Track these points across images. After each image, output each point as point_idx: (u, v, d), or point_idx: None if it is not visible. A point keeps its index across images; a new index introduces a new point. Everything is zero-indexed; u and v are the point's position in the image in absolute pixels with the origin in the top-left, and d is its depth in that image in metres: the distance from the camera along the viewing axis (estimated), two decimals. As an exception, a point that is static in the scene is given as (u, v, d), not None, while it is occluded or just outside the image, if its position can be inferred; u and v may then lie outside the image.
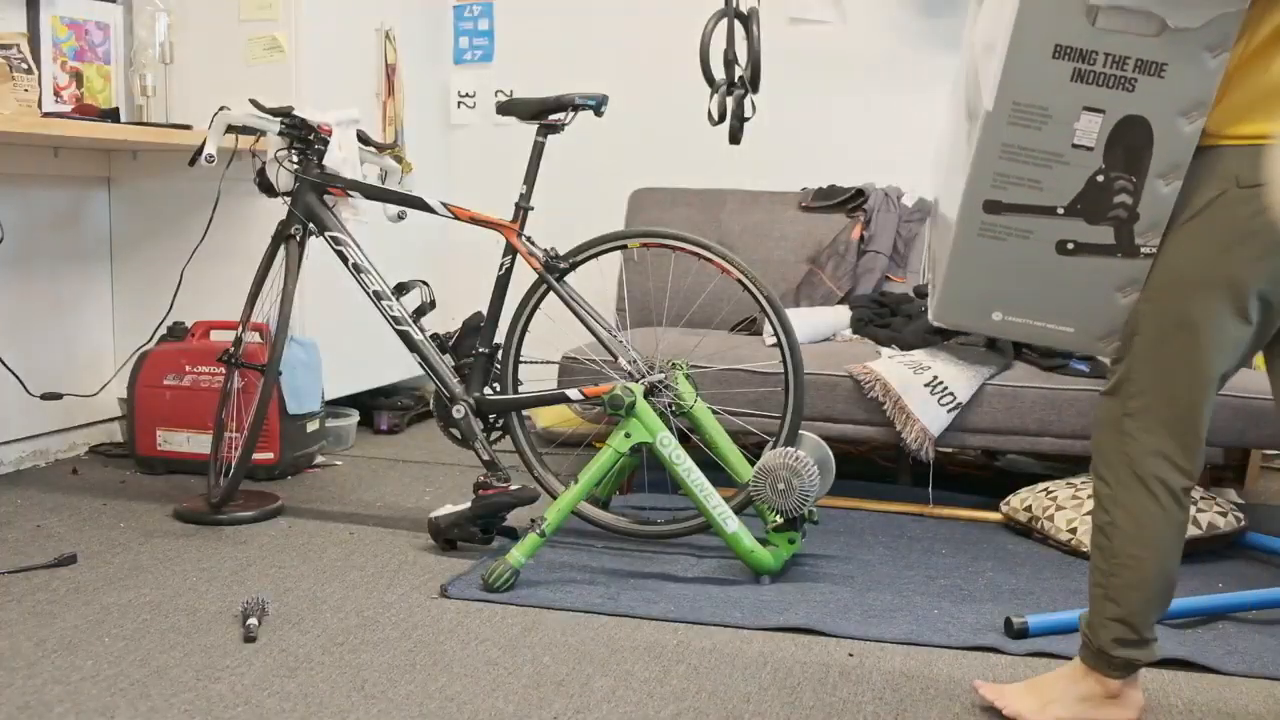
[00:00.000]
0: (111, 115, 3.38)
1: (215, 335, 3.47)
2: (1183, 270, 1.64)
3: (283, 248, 2.96)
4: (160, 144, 3.35)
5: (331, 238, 2.92)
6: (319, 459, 3.60)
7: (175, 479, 3.38)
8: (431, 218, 4.16)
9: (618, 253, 3.97)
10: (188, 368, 3.40)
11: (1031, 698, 1.90)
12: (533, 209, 2.86)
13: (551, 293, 2.84)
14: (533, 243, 2.84)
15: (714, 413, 2.87)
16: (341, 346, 3.77)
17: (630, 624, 2.32)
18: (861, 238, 3.76)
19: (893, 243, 3.73)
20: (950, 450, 3.64)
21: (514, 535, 2.80)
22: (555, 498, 2.74)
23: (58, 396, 3.51)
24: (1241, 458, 3.51)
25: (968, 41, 1.87)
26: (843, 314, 3.54)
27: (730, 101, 3.33)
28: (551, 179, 4.28)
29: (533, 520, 2.55)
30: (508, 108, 2.84)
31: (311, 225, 2.94)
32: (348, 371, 3.87)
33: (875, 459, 3.72)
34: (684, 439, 2.70)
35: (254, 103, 2.93)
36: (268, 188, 2.95)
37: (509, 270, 2.88)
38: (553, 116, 2.80)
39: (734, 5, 3.36)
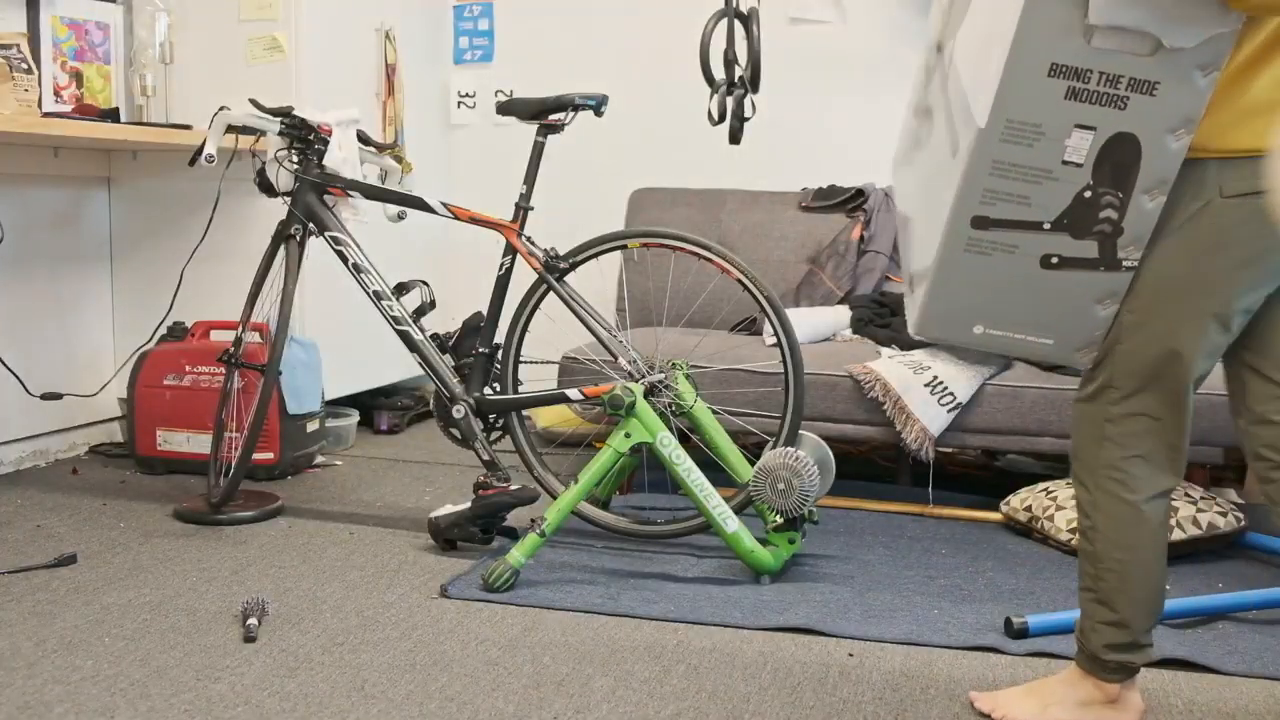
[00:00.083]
0: (111, 115, 3.38)
1: (215, 335, 3.47)
2: (1167, 279, 1.67)
3: (283, 248, 2.96)
4: (160, 144, 3.35)
5: (331, 238, 2.92)
6: (319, 459, 3.60)
7: (175, 479, 3.38)
8: (431, 218, 4.16)
9: (618, 253, 3.97)
10: (188, 368, 3.40)
11: (1030, 700, 1.90)
12: (533, 209, 2.86)
13: (551, 293, 2.84)
14: (533, 243, 2.84)
15: (714, 413, 2.87)
16: (341, 346, 3.77)
17: (630, 624, 2.32)
18: (861, 238, 3.76)
19: (893, 243, 3.73)
20: (950, 450, 3.64)
21: (514, 535, 2.80)
22: (555, 498, 2.74)
23: (58, 396, 3.51)
24: (1241, 458, 3.50)
25: (931, 44, 1.86)
26: (843, 314, 3.54)
27: (730, 101, 3.33)
28: (551, 179, 4.27)
29: (533, 520, 2.56)
30: (508, 108, 2.84)
31: (311, 225, 2.94)
32: (348, 371, 3.87)
33: (875, 459, 3.72)
34: (684, 439, 2.70)
35: (254, 103, 2.93)
36: (268, 188, 2.95)
37: (509, 270, 2.88)
38: (553, 116, 2.80)
39: (734, 5, 3.36)
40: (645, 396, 2.62)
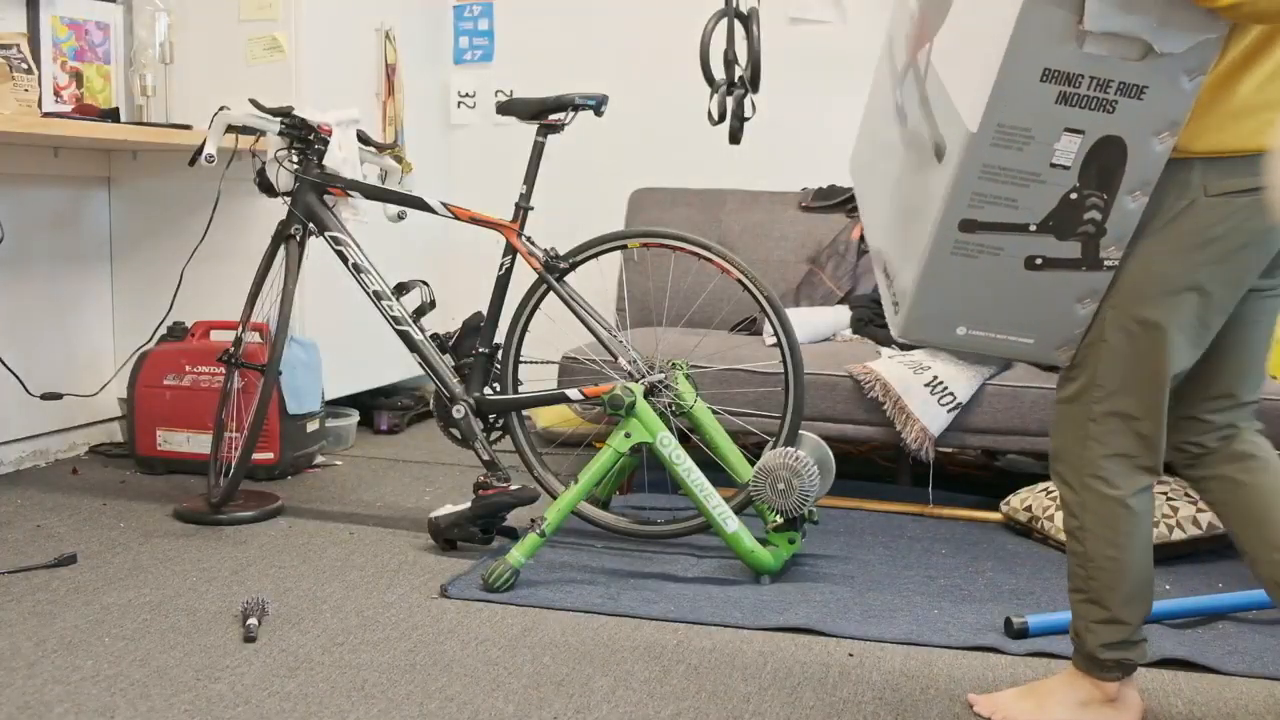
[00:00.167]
0: (111, 115, 3.38)
1: (215, 335, 3.47)
2: (1150, 276, 1.69)
3: (283, 248, 2.96)
4: (160, 144, 3.35)
5: (331, 238, 2.92)
6: (319, 459, 3.60)
7: (175, 479, 3.38)
8: (431, 218, 4.15)
9: (618, 253, 3.97)
10: (188, 368, 3.40)
11: (1029, 701, 1.90)
12: (533, 209, 2.86)
13: (551, 293, 2.84)
14: (533, 243, 2.84)
15: (714, 413, 2.87)
16: (341, 346, 3.77)
17: (630, 624, 2.32)
18: (861, 237, 3.76)
19: (893, 243, 3.73)
20: (950, 450, 3.64)
21: (514, 535, 2.80)
22: (555, 498, 2.74)
23: (58, 396, 3.51)
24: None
25: (892, 44, 1.86)
26: (843, 314, 3.54)
27: (730, 101, 3.32)
28: (551, 179, 4.27)
29: (533, 520, 2.56)
30: (508, 108, 2.84)
31: (311, 225, 2.94)
32: (348, 371, 3.87)
33: (875, 459, 3.72)
34: (684, 439, 2.70)
35: (254, 103, 2.93)
36: (268, 188, 2.95)
37: (509, 270, 2.88)
38: (553, 116, 2.80)
39: (734, 5, 3.35)
40: (645, 396, 2.62)
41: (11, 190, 3.41)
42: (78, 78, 3.53)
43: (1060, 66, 1.54)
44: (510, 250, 2.86)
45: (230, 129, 2.91)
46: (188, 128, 3.42)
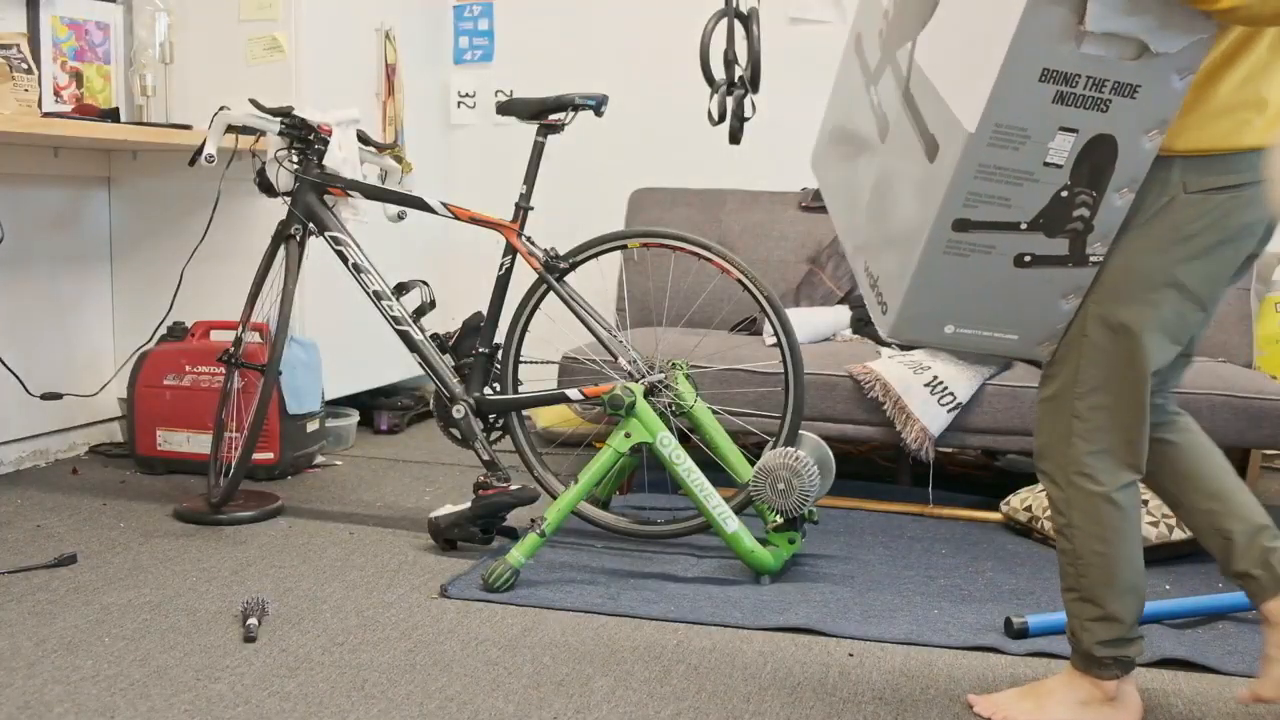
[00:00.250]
0: (111, 115, 3.37)
1: (215, 335, 3.47)
2: (1132, 272, 1.71)
3: (283, 248, 2.96)
4: (160, 144, 3.35)
5: (331, 238, 2.92)
6: (319, 459, 3.60)
7: (175, 479, 3.38)
8: (431, 218, 4.16)
9: (618, 253, 3.97)
10: (188, 368, 3.40)
11: (1029, 701, 1.91)
12: (533, 209, 2.86)
13: (551, 293, 2.84)
14: (533, 243, 2.84)
15: (714, 413, 2.87)
16: (341, 346, 3.77)
17: (630, 624, 2.32)
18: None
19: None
20: (950, 450, 3.64)
21: (514, 535, 2.80)
22: (555, 498, 2.74)
23: (58, 396, 3.51)
24: (1241, 458, 3.50)
25: (860, 40, 1.86)
26: (843, 314, 3.54)
27: (730, 101, 3.32)
28: (551, 179, 4.27)
29: (533, 520, 2.56)
30: (508, 108, 2.84)
31: (311, 225, 2.94)
32: (348, 371, 3.87)
33: (875, 459, 3.72)
34: (684, 439, 2.70)
35: (254, 103, 2.93)
36: (268, 188, 2.95)
37: (509, 270, 2.88)
38: (553, 116, 2.80)
39: (734, 5, 3.35)
40: (645, 396, 2.62)
41: (11, 190, 3.41)
42: (78, 78, 3.53)
43: (1059, 66, 1.55)
44: (510, 250, 2.86)
45: (230, 129, 2.91)
46: (188, 128, 3.42)
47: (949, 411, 3.01)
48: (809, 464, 2.54)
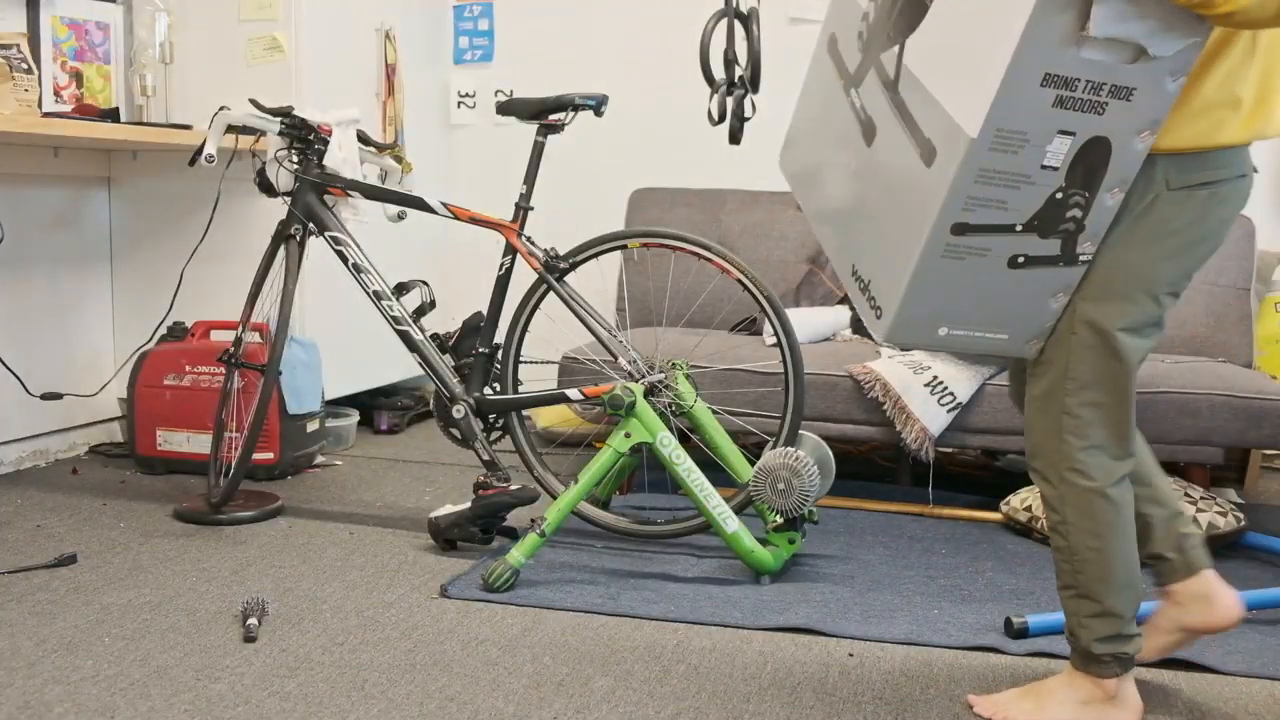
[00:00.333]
0: (111, 115, 3.38)
1: (215, 335, 3.47)
2: (1118, 268, 1.75)
3: (283, 248, 2.96)
4: (160, 144, 3.35)
5: (331, 238, 2.92)
6: (319, 459, 3.60)
7: (175, 479, 3.38)
8: (431, 218, 4.16)
9: (618, 253, 3.97)
10: (188, 368, 3.40)
11: (1029, 701, 1.91)
12: (533, 209, 2.86)
13: (551, 293, 2.84)
14: (533, 243, 2.84)
15: (714, 413, 2.87)
16: (341, 346, 3.77)
17: (630, 624, 2.32)
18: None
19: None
20: (950, 450, 3.64)
21: (514, 535, 2.80)
22: (555, 498, 2.74)
23: (58, 396, 3.51)
24: (1241, 458, 3.51)
25: (838, 38, 1.85)
26: (843, 314, 3.54)
27: (730, 101, 3.32)
28: (551, 179, 4.27)
29: (533, 520, 2.56)
30: (508, 108, 2.84)
31: (311, 225, 2.94)
32: (348, 371, 3.87)
33: (875, 459, 3.72)
34: (684, 439, 2.70)
35: (254, 103, 2.93)
36: (268, 188, 2.95)
37: (509, 270, 2.88)
38: (553, 116, 2.80)
39: (734, 5, 3.35)
40: (645, 396, 2.62)
41: (11, 190, 3.41)
42: (78, 78, 3.53)
43: (1060, 71, 1.56)
44: (510, 250, 2.86)
45: (230, 129, 2.91)
46: (188, 128, 3.42)
47: (949, 411, 3.01)
48: (809, 464, 2.54)
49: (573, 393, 2.76)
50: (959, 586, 2.56)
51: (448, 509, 2.75)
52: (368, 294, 2.88)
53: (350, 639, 2.20)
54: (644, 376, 2.73)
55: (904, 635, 2.26)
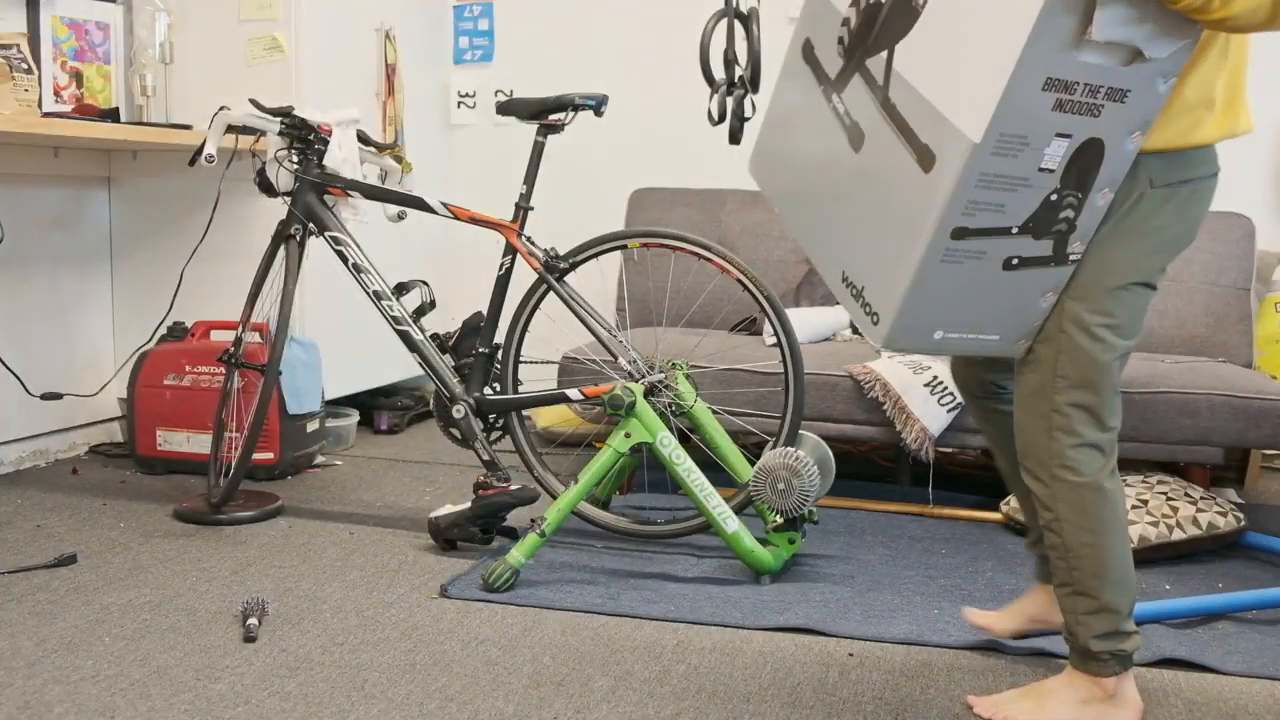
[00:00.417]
0: (111, 115, 3.38)
1: (215, 335, 3.47)
2: (1106, 265, 1.78)
3: (283, 248, 2.96)
4: (160, 144, 3.35)
5: (331, 238, 2.92)
6: (319, 459, 3.60)
7: (175, 479, 3.38)
8: (431, 218, 4.16)
9: (618, 253, 3.97)
10: (188, 368, 3.40)
11: (1028, 701, 1.91)
12: (533, 209, 2.86)
13: (551, 293, 2.84)
14: (533, 243, 2.84)
15: (714, 413, 2.87)
16: (341, 346, 3.77)
17: (630, 624, 2.32)
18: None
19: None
20: (950, 450, 3.64)
21: (514, 535, 2.80)
22: (555, 498, 2.74)
23: (58, 396, 3.51)
24: (1241, 458, 3.51)
25: (815, 43, 1.85)
26: (842, 314, 3.54)
27: (730, 101, 3.32)
28: (551, 179, 4.27)
29: (533, 520, 2.56)
30: (508, 108, 2.84)
31: (311, 225, 2.94)
32: (348, 371, 3.87)
33: (875, 459, 3.72)
34: (684, 439, 2.70)
35: (254, 103, 2.93)
36: (268, 188, 2.95)
37: (509, 270, 2.88)
38: (553, 116, 2.80)
39: (734, 5, 3.36)
40: (645, 396, 2.62)
41: (11, 190, 3.41)
42: (78, 78, 3.53)
43: (1060, 75, 1.57)
44: (510, 250, 2.86)
45: (230, 129, 2.91)
46: (188, 128, 3.42)
47: (949, 411, 3.01)
48: (809, 464, 2.54)
49: (573, 393, 2.76)
50: (959, 586, 2.56)
51: (448, 509, 2.75)
52: (368, 294, 2.88)
53: (350, 639, 2.20)
54: (644, 376, 2.73)
55: (904, 635, 2.26)
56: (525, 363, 2.95)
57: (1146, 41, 1.58)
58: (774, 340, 2.78)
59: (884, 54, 1.72)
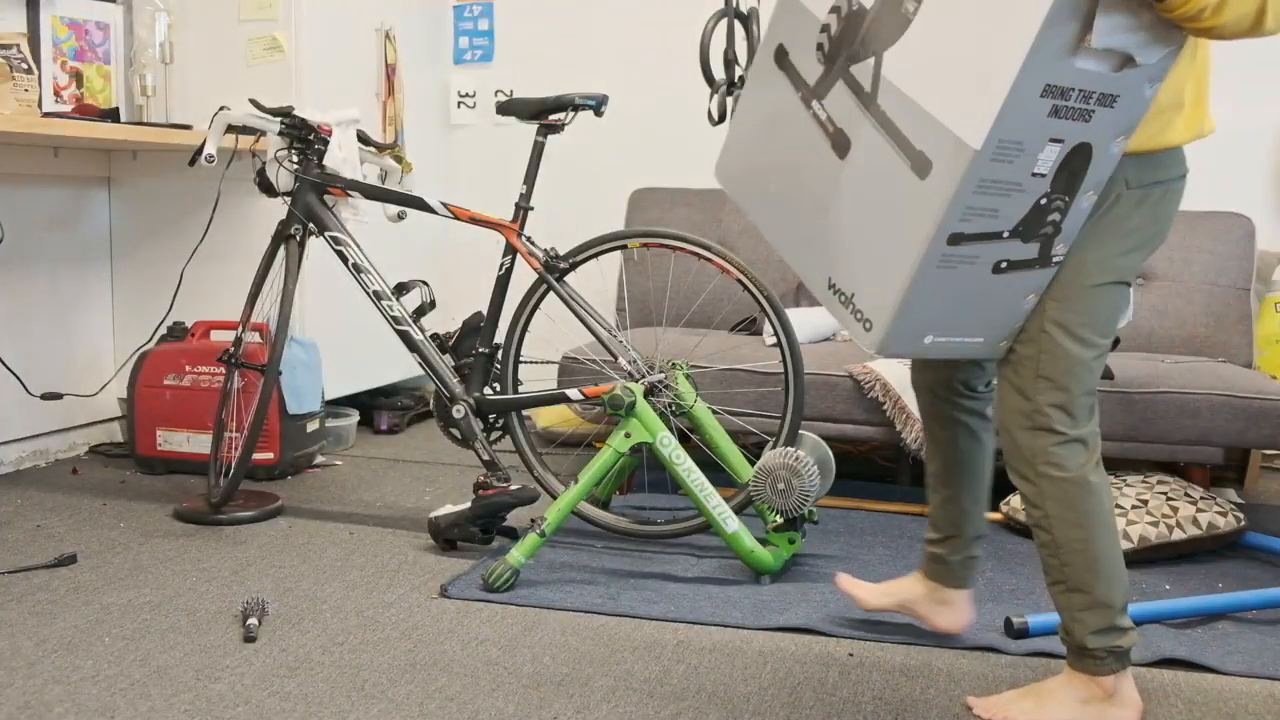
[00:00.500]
0: (111, 115, 3.38)
1: (215, 335, 3.47)
2: (1085, 266, 1.81)
3: (283, 248, 2.96)
4: (160, 144, 3.35)
5: (331, 238, 2.92)
6: (319, 459, 3.60)
7: (175, 479, 3.38)
8: (431, 218, 4.16)
9: (618, 253, 3.97)
10: (188, 368, 3.40)
11: (1028, 702, 1.91)
12: (533, 209, 2.86)
13: (551, 293, 2.84)
14: (533, 243, 2.84)
15: (714, 413, 2.87)
16: (341, 346, 3.77)
17: (630, 624, 2.32)
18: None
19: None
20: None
21: (514, 535, 2.80)
22: (555, 498, 2.74)
23: (58, 396, 3.51)
24: (1241, 458, 3.51)
25: (789, 49, 1.84)
26: (843, 314, 3.53)
27: (730, 101, 3.33)
28: (551, 179, 4.27)
29: (533, 520, 2.56)
30: (508, 108, 2.84)
31: (311, 225, 2.94)
32: (348, 371, 3.87)
33: (875, 459, 3.72)
34: (684, 439, 2.70)
35: (254, 103, 2.93)
36: (268, 188, 2.95)
37: (509, 270, 2.88)
38: (553, 116, 2.80)
39: (734, 5, 3.36)
40: (645, 396, 2.62)
41: (11, 190, 3.41)
42: (78, 78, 3.53)
43: (1058, 81, 1.58)
44: (510, 250, 2.86)
45: (230, 129, 2.91)
46: (188, 128, 3.42)
47: (949, 411, 3.01)
48: (809, 464, 2.54)
49: (573, 393, 2.76)
50: (959, 586, 2.56)
51: (448, 509, 2.75)
52: (368, 294, 2.88)
53: (350, 639, 2.20)
54: (644, 376, 2.73)
55: (904, 635, 2.26)
56: (525, 363, 2.95)
57: (1139, 48, 1.60)
58: (774, 340, 2.78)
59: (871, 61, 1.72)
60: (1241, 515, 2.84)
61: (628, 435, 2.59)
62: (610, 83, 4.24)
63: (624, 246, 2.85)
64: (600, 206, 4.25)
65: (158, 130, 3.32)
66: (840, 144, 1.78)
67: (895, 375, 3.05)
